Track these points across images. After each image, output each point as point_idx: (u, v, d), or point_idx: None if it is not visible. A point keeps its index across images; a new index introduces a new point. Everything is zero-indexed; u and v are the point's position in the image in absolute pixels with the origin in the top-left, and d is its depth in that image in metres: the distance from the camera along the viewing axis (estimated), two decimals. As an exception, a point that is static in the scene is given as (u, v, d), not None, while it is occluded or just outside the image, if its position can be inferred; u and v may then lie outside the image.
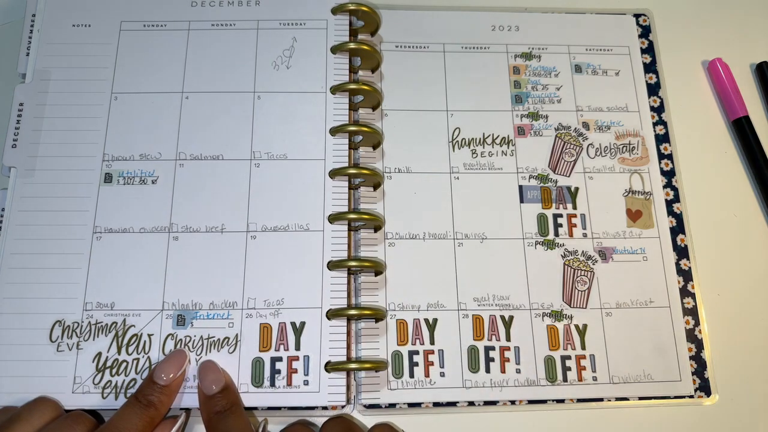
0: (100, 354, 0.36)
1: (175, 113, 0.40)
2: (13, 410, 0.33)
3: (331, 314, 0.36)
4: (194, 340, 0.36)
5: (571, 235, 0.40)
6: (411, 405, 0.36)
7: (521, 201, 0.41)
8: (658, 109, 0.44)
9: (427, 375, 0.37)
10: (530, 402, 0.37)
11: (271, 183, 0.39)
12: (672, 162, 0.42)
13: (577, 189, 0.41)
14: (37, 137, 0.39)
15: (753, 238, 0.42)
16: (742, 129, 0.44)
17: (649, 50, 0.45)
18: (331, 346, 0.36)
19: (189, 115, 0.40)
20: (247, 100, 0.41)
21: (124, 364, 0.35)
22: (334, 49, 0.41)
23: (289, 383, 0.35)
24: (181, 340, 0.36)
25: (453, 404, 0.37)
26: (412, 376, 0.37)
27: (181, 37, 0.42)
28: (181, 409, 0.35)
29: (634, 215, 0.41)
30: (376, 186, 0.40)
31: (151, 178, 0.39)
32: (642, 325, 0.39)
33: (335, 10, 0.42)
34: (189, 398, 0.35)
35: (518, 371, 0.37)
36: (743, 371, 0.39)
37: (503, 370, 0.37)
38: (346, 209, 0.38)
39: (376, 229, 0.39)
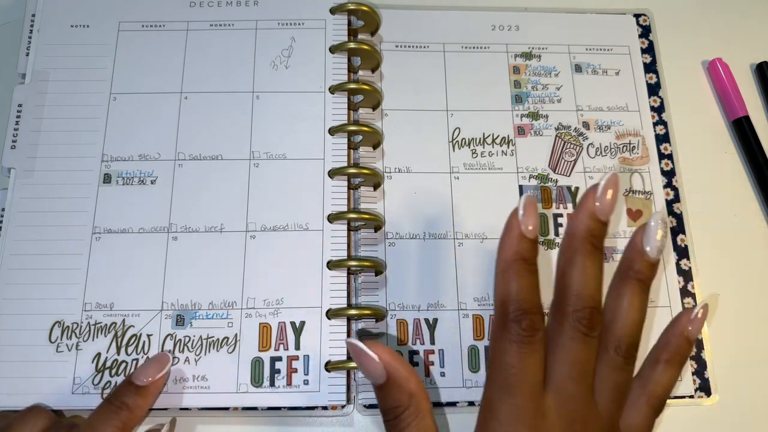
0: (99, 354, 0.35)
1: (174, 113, 0.40)
2: (10, 416, 0.32)
3: (331, 314, 0.36)
4: (193, 340, 0.36)
5: (571, 235, 0.40)
6: (411, 405, 0.36)
7: (521, 201, 0.41)
8: (658, 109, 0.44)
9: (427, 375, 0.37)
10: (530, 402, 0.37)
11: (270, 183, 0.39)
12: (672, 162, 0.42)
13: (577, 189, 0.41)
14: (36, 138, 0.39)
15: (753, 238, 0.42)
16: (742, 129, 0.44)
17: (649, 50, 0.45)
18: (331, 345, 0.36)
19: (188, 116, 0.40)
20: (246, 100, 0.41)
21: (124, 364, 0.35)
22: (333, 49, 0.41)
23: (289, 383, 0.35)
24: (180, 340, 0.36)
25: (453, 404, 0.36)
26: (411, 376, 0.37)
27: (180, 38, 0.42)
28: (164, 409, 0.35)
29: (634, 215, 0.41)
30: (376, 186, 0.40)
31: (150, 179, 0.39)
32: (642, 325, 0.38)
33: (334, 10, 0.42)
34: (171, 398, 0.35)
35: (518, 371, 0.37)
36: (743, 371, 0.39)
37: (503, 371, 0.37)
38: (345, 209, 0.38)
39: (376, 229, 0.39)
